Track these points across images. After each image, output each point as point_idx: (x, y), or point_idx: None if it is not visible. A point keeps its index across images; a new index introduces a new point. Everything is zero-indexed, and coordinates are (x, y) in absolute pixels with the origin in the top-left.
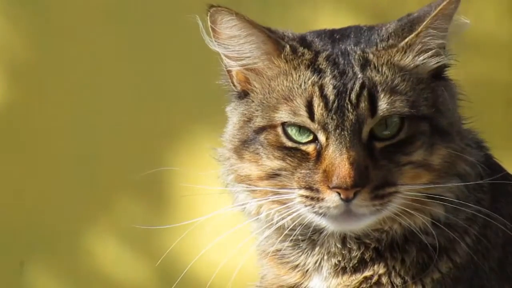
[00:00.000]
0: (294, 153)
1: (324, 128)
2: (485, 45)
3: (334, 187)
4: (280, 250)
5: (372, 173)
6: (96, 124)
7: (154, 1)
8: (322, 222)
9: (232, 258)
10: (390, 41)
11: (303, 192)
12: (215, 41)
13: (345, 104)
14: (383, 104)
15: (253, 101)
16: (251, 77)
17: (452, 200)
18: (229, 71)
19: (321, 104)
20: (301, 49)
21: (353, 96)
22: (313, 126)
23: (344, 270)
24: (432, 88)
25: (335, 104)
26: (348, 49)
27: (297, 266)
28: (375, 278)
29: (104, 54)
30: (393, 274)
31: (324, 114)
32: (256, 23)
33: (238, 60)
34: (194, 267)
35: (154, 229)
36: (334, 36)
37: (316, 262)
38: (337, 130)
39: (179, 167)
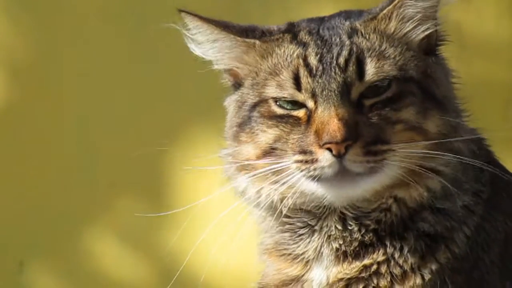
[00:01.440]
0: (286, 120)
1: (312, 94)
2: (485, 45)
3: (325, 143)
4: (280, 243)
5: (364, 129)
6: (96, 124)
7: (154, 1)
8: (318, 189)
9: (232, 255)
10: (374, 13)
11: (297, 157)
12: (195, 45)
13: (332, 68)
14: (371, 69)
15: (244, 87)
16: (239, 67)
17: (447, 177)
18: (218, 67)
19: (305, 73)
20: (276, 36)
21: (341, 60)
22: (301, 96)
23: (345, 255)
24: (423, 59)
25: (319, 69)
26: (336, 23)
27: (297, 256)
28: (374, 266)
29: (104, 54)
30: (392, 263)
31: (309, 81)
32: (224, 25)
33: (220, 61)
34: (194, 267)
35: (154, 229)
36: (324, 18)
37: (316, 249)
38: (324, 92)
39: (179, 167)
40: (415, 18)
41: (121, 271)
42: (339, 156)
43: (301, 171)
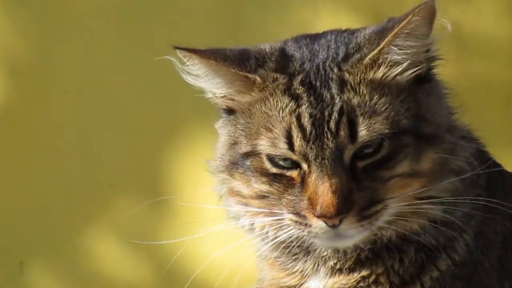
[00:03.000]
0: (279, 179)
1: (305, 157)
2: (484, 44)
3: (319, 216)
4: (276, 257)
5: (357, 195)
6: (96, 124)
7: (154, 1)
8: (314, 241)
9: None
10: (361, 54)
11: (291, 217)
12: (188, 77)
13: (324, 133)
14: (363, 130)
15: (238, 122)
16: (230, 104)
17: (448, 199)
18: (208, 97)
19: (299, 135)
20: (272, 75)
21: (332, 124)
22: (294, 156)
23: (340, 271)
24: (413, 97)
25: (313, 134)
26: (326, 66)
27: (295, 271)
28: (373, 277)
29: (104, 54)
30: (391, 273)
31: (303, 145)
32: (221, 59)
33: (213, 93)
34: (193, 266)
35: (154, 229)
36: (314, 48)
37: (313, 267)
38: (318, 159)
39: (179, 167)
40: (403, 63)
41: (121, 271)
42: (333, 227)
43: (295, 228)
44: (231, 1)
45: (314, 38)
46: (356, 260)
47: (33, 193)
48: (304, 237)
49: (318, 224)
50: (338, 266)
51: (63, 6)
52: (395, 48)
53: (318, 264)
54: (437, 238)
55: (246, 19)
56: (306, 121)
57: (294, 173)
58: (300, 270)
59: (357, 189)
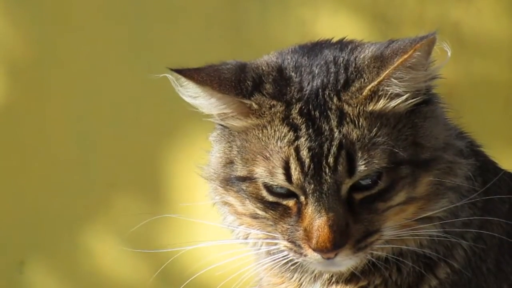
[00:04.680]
0: (275, 207)
1: (302, 189)
2: (484, 44)
3: (314, 250)
4: (274, 266)
5: (353, 228)
6: (96, 124)
7: (154, 1)
8: (306, 263)
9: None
10: (360, 83)
11: (286, 243)
12: (186, 96)
13: (322, 167)
14: (361, 165)
15: (234, 141)
16: (227, 124)
17: (445, 215)
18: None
19: (298, 168)
20: (269, 101)
21: (330, 159)
22: (292, 187)
23: (337, 283)
24: (411, 123)
25: (311, 168)
26: (325, 94)
27: (292, 279)
28: (371, 287)
29: (104, 53)
30: (389, 283)
31: (301, 178)
32: (216, 83)
33: (210, 113)
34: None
35: (154, 229)
36: (312, 68)
37: (310, 278)
38: (315, 194)
39: (178, 167)
40: (403, 96)
41: (121, 271)
42: (328, 259)
43: (290, 253)
44: (231, 1)
45: (312, 53)
46: (352, 273)
47: (33, 193)
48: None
49: (313, 256)
50: (334, 279)
51: (63, 6)
52: (395, 81)
53: (315, 276)
54: (436, 248)
55: (246, 18)
56: (305, 154)
57: (290, 202)
58: (298, 279)
59: (354, 222)
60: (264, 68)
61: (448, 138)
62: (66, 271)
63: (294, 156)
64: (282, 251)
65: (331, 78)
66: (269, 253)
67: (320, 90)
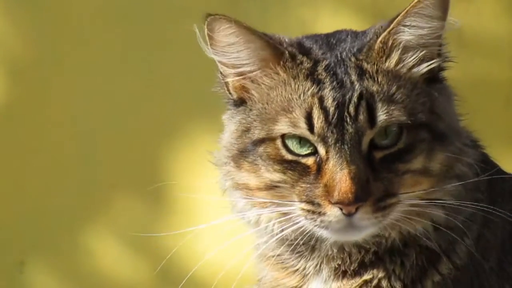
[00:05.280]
0: (294, 167)
1: (324, 141)
2: (484, 43)
3: (336, 203)
4: (279, 255)
5: (373, 185)
6: (96, 124)
7: (153, 1)
8: (323, 233)
9: (235, 262)
10: (373, 39)
11: (304, 205)
12: (212, 49)
13: (344, 117)
14: (381, 115)
15: (251, 110)
16: (249, 85)
17: (451, 203)
18: (225, 80)
19: (321, 116)
20: (300, 56)
21: (351, 108)
22: (313, 138)
23: (344, 274)
24: (427, 92)
25: (335, 117)
26: (344, 56)
27: (296, 270)
28: (375, 281)
29: (103, 53)
30: (392, 277)
31: (324, 127)
32: (254, 29)
33: (236, 68)
34: (192, 266)
35: (154, 229)
36: (330, 41)
37: (316, 266)
38: (337, 144)
39: (178, 167)
40: (414, 48)
41: (121, 271)
42: (348, 215)
43: (307, 219)
44: (232, 1)
45: (327, 35)
46: (361, 263)
47: (33, 193)
48: (312, 231)
49: (332, 212)
50: (342, 268)
51: (63, 6)
52: (405, 28)
53: (322, 264)
54: (439, 241)
55: (246, 19)
56: (329, 103)
57: (309, 160)
58: (302, 268)
59: (374, 180)
60: (286, 40)
61: (458, 125)
62: (66, 271)
63: (317, 105)
64: (296, 223)
65: (347, 46)
66: (282, 230)
67: (339, 54)
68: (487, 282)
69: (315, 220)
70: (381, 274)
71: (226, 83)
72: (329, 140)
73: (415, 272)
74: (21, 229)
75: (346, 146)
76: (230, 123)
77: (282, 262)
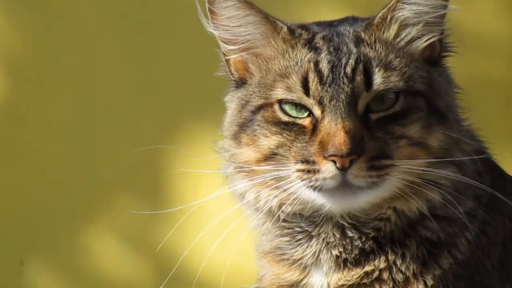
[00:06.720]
0: (290, 127)
1: (320, 101)
2: (484, 43)
3: (330, 155)
4: (278, 247)
5: (368, 143)
6: (96, 123)
7: (153, 1)
8: (319, 199)
9: (229, 255)
10: (371, 18)
11: (299, 166)
12: (213, 24)
13: (341, 78)
14: (378, 78)
15: (250, 85)
16: (249, 60)
17: (448, 189)
18: (226, 59)
19: (316, 78)
20: (298, 30)
21: (348, 69)
22: (309, 101)
23: (345, 263)
24: (427, 71)
25: (329, 78)
26: (343, 30)
27: (295, 261)
28: (376, 273)
29: (103, 53)
30: (394, 269)
31: (319, 88)
32: (254, 4)
33: (236, 43)
34: (191, 266)
35: (153, 229)
36: (332, 23)
37: (314, 254)
38: (332, 102)
39: (178, 167)
40: (413, 24)
41: (120, 270)
42: (342, 170)
43: (302, 180)
44: None
45: (330, 21)
46: (361, 250)
47: (33, 193)
48: (309, 198)
49: (326, 167)
50: (344, 256)
51: (63, 6)
52: (404, 5)
53: (320, 253)
54: (438, 232)
55: None
56: (324, 66)
57: (306, 121)
58: (300, 257)
59: (369, 138)
60: (289, 22)
61: (458, 114)
62: (66, 271)
63: (312, 69)
64: (293, 193)
65: (348, 25)
66: (280, 207)
67: (339, 30)
68: (489, 280)
69: (310, 180)
70: (382, 265)
71: (228, 63)
72: (324, 99)
73: (416, 265)
74: (21, 229)
75: (341, 104)
76: (231, 102)
77: (281, 254)
